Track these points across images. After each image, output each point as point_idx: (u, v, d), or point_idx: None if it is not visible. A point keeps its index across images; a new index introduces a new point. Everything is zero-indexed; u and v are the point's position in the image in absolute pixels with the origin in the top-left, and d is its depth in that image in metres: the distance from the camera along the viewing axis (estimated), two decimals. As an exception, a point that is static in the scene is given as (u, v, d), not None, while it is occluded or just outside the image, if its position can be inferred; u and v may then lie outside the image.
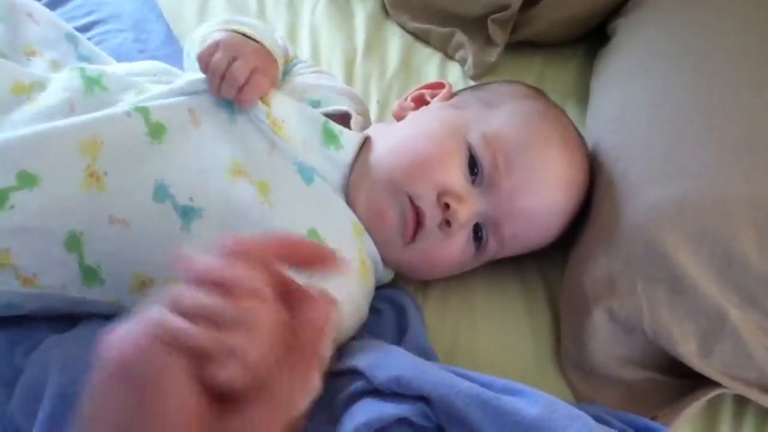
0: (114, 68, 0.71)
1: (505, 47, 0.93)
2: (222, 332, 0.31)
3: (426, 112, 0.70)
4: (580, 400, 0.64)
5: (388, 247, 0.65)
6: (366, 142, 0.68)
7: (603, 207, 0.65)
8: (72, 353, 0.55)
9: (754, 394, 0.59)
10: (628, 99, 0.74)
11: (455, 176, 0.62)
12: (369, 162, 0.66)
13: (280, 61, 0.70)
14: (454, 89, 0.74)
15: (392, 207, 0.63)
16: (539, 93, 0.72)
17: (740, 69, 0.68)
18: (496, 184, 0.62)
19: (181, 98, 0.63)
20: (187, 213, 0.59)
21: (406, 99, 0.74)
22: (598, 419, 0.54)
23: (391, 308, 0.67)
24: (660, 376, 0.63)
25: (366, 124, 0.73)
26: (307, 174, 0.64)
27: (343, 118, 0.70)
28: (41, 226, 0.56)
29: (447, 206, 0.61)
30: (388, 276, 0.69)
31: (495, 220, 0.64)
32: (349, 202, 0.66)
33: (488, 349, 0.68)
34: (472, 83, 0.90)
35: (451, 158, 0.63)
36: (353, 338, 0.63)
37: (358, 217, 0.65)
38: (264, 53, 0.66)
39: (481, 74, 0.92)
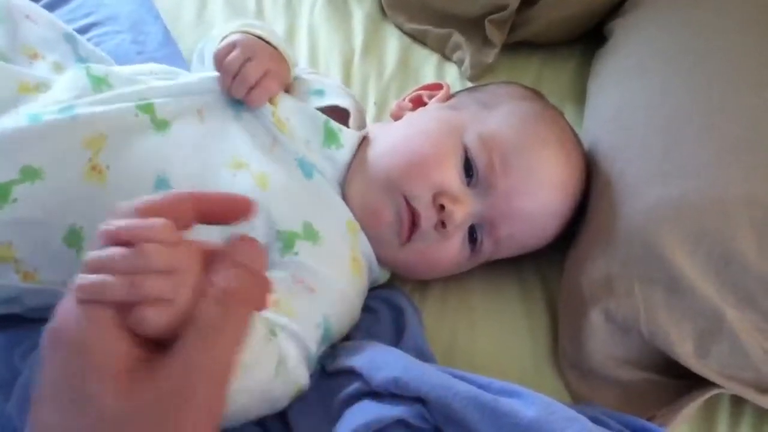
0: (118, 68, 0.71)
1: (502, 48, 0.93)
2: (137, 278, 0.32)
3: (423, 113, 0.70)
4: (577, 401, 0.64)
5: (383, 247, 0.65)
6: (364, 141, 0.69)
7: (600, 208, 0.65)
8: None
9: (750, 395, 0.59)
10: (626, 99, 0.74)
11: (451, 177, 0.63)
12: (366, 161, 0.66)
13: (292, 66, 0.71)
14: (452, 90, 0.74)
15: (387, 206, 0.63)
16: (536, 94, 0.72)
17: (740, 69, 0.69)
18: (492, 184, 0.62)
19: (190, 96, 0.64)
20: None
21: (404, 100, 0.74)
22: (596, 420, 0.54)
23: (388, 309, 0.67)
24: (657, 376, 0.63)
25: (363, 124, 0.73)
26: (307, 169, 0.65)
27: (341, 116, 0.70)
28: (43, 220, 0.56)
29: (442, 207, 0.61)
30: (384, 276, 0.69)
31: (491, 221, 0.64)
32: (346, 199, 0.66)
33: (486, 350, 0.68)
34: (469, 84, 0.90)
35: (447, 159, 0.63)
36: (350, 339, 0.64)
37: (354, 214, 0.65)
38: (278, 57, 0.68)
39: (479, 75, 0.92)
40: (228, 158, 0.62)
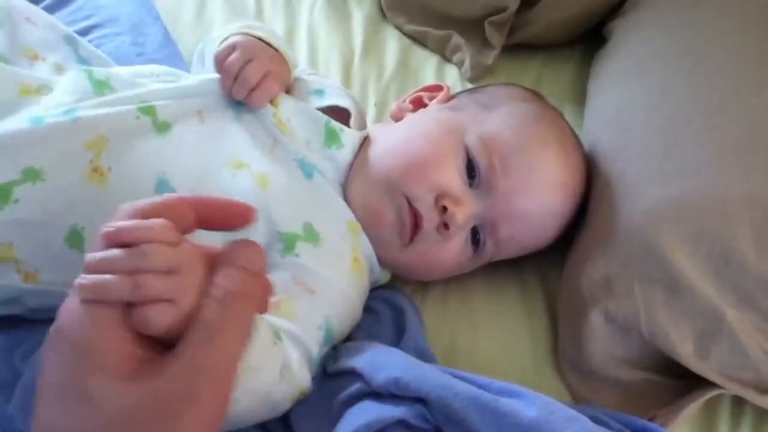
0: (119, 70, 0.71)
1: (502, 49, 0.93)
2: (140, 278, 0.32)
3: (423, 114, 0.70)
4: (577, 402, 0.64)
5: (385, 248, 0.65)
6: (365, 142, 0.69)
7: (600, 208, 0.65)
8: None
9: (750, 395, 0.59)
10: (626, 100, 0.74)
11: (452, 178, 0.63)
12: (367, 161, 0.66)
13: (293, 68, 0.71)
14: (452, 92, 0.75)
15: (389, 207, 0.63)
16: (536, 95, 0.72)
17: (740, 69, 0.69)
18: (492, 185, 0.62)
19: (190, 98, 0.64)
20: None
21: (404, 101, 0.74)
22: (596, 420, 0.54)
23: (389, 309, 0.67)
24: (657, 377, 0.63)
25: (363, 125, 0.74)
26: (307, 170, 0.65)
27: (342, 116, 0.70)
28: (44, 221, 0.56)
29: (444, 209, 0.61)
30: (385, 277, 0.69)
31: (492, 222, 0.64)
32: (347, 200, 0.66)
33: (487, 351, 0.68)
34: (469, 85, 0.90)
35: (448, 160, 0.63)
36: (351, 339, 0.64)
37: (356, 215, 0.65)
38: (278, 58, 0.68)
39: (479, 76, 0.92)
40: (228, 158, 0.62)
